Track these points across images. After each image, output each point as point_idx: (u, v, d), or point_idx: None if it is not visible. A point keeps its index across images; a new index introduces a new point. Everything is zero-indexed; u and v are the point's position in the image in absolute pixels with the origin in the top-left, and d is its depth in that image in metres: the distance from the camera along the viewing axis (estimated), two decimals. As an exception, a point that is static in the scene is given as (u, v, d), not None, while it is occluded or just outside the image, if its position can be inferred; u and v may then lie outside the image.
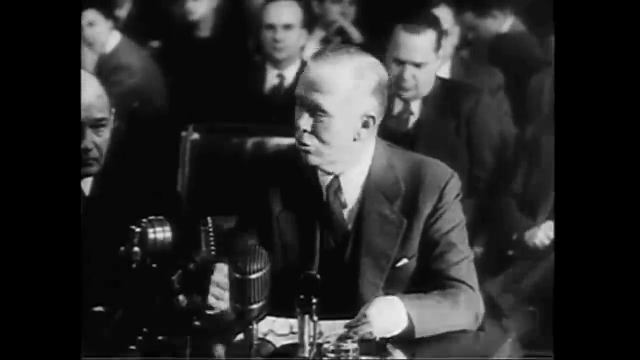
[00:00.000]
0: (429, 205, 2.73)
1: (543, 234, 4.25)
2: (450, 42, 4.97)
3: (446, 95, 4.42)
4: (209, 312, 2.52)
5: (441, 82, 4.46)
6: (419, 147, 4.30)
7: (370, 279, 2.73)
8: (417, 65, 4.30)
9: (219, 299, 2.53)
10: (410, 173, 2.76)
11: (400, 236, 2.73)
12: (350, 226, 2.76)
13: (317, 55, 2.69)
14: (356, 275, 2.73)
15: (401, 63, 4.30)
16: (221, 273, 2.52)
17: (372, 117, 2.68)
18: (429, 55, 4.32)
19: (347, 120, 2.66)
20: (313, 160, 2.70)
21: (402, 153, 2.81)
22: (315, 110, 2.65)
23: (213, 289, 2.53)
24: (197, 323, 2.50)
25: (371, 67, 2.68)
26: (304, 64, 4.90)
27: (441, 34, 4.39)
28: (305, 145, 2.68)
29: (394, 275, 2.73)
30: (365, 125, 2.68)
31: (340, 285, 2.67)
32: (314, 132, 2.66)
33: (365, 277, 2.73)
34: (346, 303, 2.62)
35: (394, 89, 4.31)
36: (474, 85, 4.70)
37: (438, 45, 4.34)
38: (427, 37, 4.31)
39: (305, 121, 2.66)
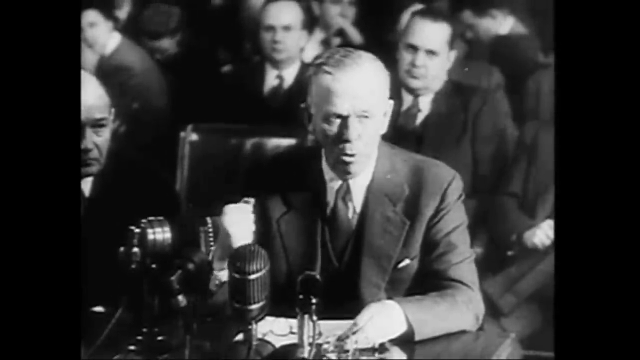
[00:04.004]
0: (432, 207, 2.74)
1: (542, 233, 4.25)
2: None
3: (455, 93, 4.43)
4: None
5: (450, 83, 4.47)
6: (426, 143, 4.31)
7: (372, 280, 2.73)
8: (430, 52, 4.31)
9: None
10: (412, 175, 2.77)
11: (402, 237, 2.73)
12: (353, 228, 2.77)
13: (337, 66, 2.67)
14: (358, 277, 2.73)
15: (414, 49, 4.32)
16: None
17: (390, 107, 2.74)
18: (442, 46, 4.32)
19: (381, 115, 2.71)
20: (354, 169, 2.71)
21: (405, 154, 2.82)
22: (361, 117, 2.66)
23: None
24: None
25: (378, 62, 2.72)
26: (303, 65, 4.93)
27: (456, 31, 4.41)
28: (352, 156, 2.69)
29: (395, 276, 2.74)
30: (385, 115, 2.73)
31: (342, 287, 2.68)
32: (360, 137, 2.68)
33: (366, 278, 2.73)
34: (348, 304, 2.62)
35: (404, 77, 4.34)
36: (483, 86, 4.72)
37: (451, 41, 4.35)
38: (442, 27, 4.34)
39: (355, 129, 2.66)
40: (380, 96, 2.70)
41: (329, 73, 2.66)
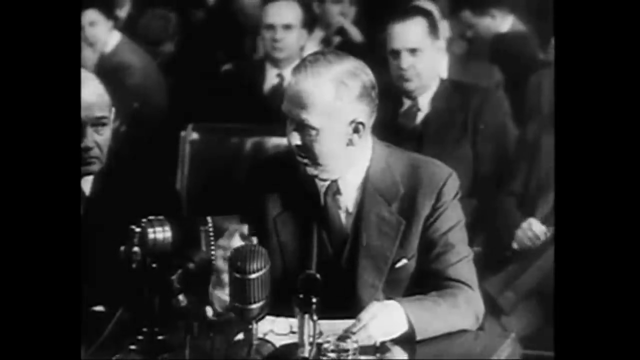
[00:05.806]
0: (428, 206, 2.72)
1: (522, 233, 4.23)
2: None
3: (454, 92, 4.42)
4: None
5: (449, 82, 4.46)
6: (426, 143, 4.31)
7: (369, 280, 2.73)
8: (412, 51, 4.29)
9: (224, 258, 2.52)
10: (408, 174, 2.75)
11: (398, 237, 2.73)
12: (348, 228, 2.76)
13: (297, 69, 2.65)
14: (354, 277, 2.73)
15: (397, 53, 4.31)
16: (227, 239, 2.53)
17: (362, 123, 2.67)
18: (423, 41, 4.30)
19: (335, 130, 2.65)
20: (311, 171, 2.70)
21: (401, 153, 2.81)
22: (302, 126, 2.64)
23: (219, 252, 2.53)
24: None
25: (352, 73, 2.64)
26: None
27: (433, 21, 4.39)
28: (300, 157, 2.68)
29: (393, 276, 2.73)
30: (356, 130, 2.67)
31: (339, 287, 2.67)
32: (305, 146, 2.66)
33: (363, 278, 2.73)
34: (345, 305, 2.62)
35: (397, 82, 4.33)
36: (483, 84, 4.72)
37: (432, 32, 4.33)
38: (416, 23, 4.31)
39: (294, 137, 2.66)
40: (330, 110, 2.62)
41: (293, 74, 2.64)
